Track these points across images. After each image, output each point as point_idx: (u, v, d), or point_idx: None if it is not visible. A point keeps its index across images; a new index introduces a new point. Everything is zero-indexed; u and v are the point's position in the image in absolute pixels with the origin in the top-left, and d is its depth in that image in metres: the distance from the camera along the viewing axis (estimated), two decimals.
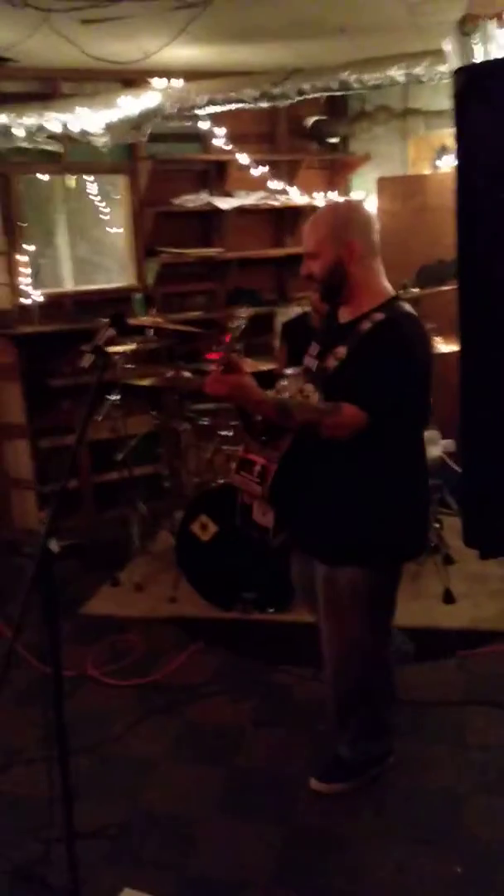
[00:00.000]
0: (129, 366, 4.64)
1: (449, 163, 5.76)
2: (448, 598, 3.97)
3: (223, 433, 4.31)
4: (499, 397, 1.37)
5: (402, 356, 2.36)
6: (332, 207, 2.63)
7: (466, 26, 2.40)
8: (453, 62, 2.93)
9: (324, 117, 5.87)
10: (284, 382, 4.01)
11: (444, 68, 4.22)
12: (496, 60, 1.51)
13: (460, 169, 1.25)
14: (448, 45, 2.88)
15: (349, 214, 2.48)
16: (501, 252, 1.26)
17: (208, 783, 2.90)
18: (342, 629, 2.65)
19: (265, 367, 4.50)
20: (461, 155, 1.24)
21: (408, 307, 2.43)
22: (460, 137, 1.24)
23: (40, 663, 2.93)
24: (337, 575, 2.57)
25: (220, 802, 2.80)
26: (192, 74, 4.84)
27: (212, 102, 4.69)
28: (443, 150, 5.77)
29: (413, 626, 3.61)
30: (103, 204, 6.17)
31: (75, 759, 2.20)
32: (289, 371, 4.04)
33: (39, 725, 3.10)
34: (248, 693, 3.41)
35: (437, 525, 4.28)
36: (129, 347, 4.47)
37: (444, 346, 4.21)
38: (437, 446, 3.91)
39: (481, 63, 2.28)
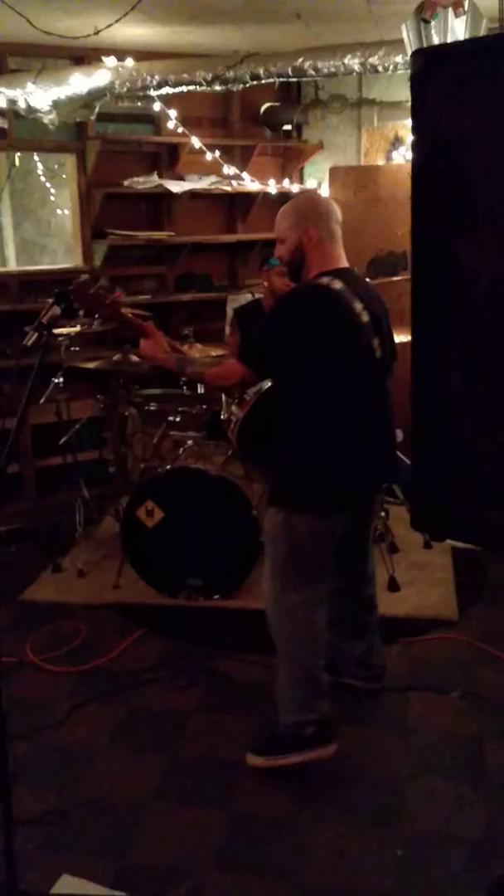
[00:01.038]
0: (74, 348, 4.56)
1: (402, 154, 5.80)
2: (393, 585, 4.00)
3: (171, 419, 4.27)
4: (447, 383, 1.37)
5: (276, 317, 2.73)
6: (296, 198, 2.93)
7: (424, 13, 2.40)
8: (410, 49, 2.93)
9: (277, 104, 5.85)
10: None
11: (399, 59, 4.23)
12: (453, 43, 1.51)
13: (416, 151, 1.24)
14: (406, 32, 2.88)
15: (308, 205, 2.82)
16: (455, 238, 1.25)
17: (150, 770, 2.87)
18: (269, 578, 2.86)
19: (215, 352, 4.48)
20: (418, 137, 1.23)
21: (329, 281, 2.62)
22: (417, 119, 1.23)
23: None
24: (270, 515, 2.81)
25: (161, 789, 2.78)
26: (144, 54, 4.77)
27: (164, 83, 4.62)
28: (397, 142, 5.80)
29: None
30: (49, 184, 6.06)
31: (13, 745, 2.15)
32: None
33: None
34: (191, 679, 3.39)
35: (384, 514, 4.31)
36: (73, 329, 4.40)
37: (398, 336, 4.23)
38: None
39: (438, 45, 2.29)
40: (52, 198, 6.28)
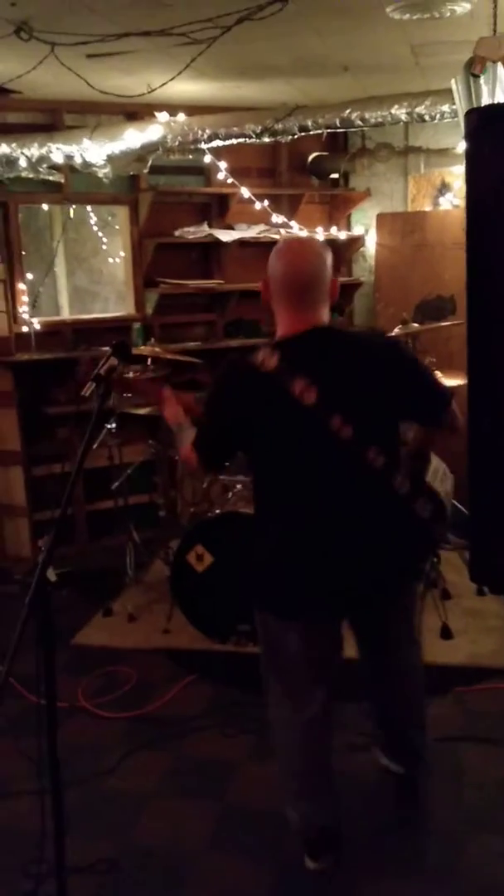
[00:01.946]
0: (126, 395, 4.63)
1: (449, 200, 5.83)
2: (446, 633, 3.94)
3: None
4: None
5: (206, 400, 2.44)
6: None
7: (474, 68, 2.44)
8: (460, 103, 2.97)
9: (324, 153, 5.94)
10: None
11: (446, 108, 4.29)
12: None
13: (470, 206, 1.26)
14: (455, 86, 2.92)
15: (273, 253, 2.41)
16: None
17: (200, 818, 2.85)
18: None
19: None
20: (472, 192, 1.25)
21: (263, 356, 2.25)
22: (471, 175, 1.25)
23: (31, 694, 2.89)
24: None
25: (211, 838, 2.75)
26: (195, 108, 4.90)
27: (214, 136, 4.74)
28: (443, 188, 5.84)
29: None
30: (101, 234, 6.23)
31: (66, 791, 2.16)
32: None
33: (30, 758, 3.10)
34: (241, 727, 3.36)
35: (436, 560, 4.27)
36: (127, 377, 4.47)
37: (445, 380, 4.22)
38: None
39: (493, 105, 2.32)
40: (104, 247, 6.44)
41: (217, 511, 4.05)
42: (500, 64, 2.42)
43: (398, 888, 2.50)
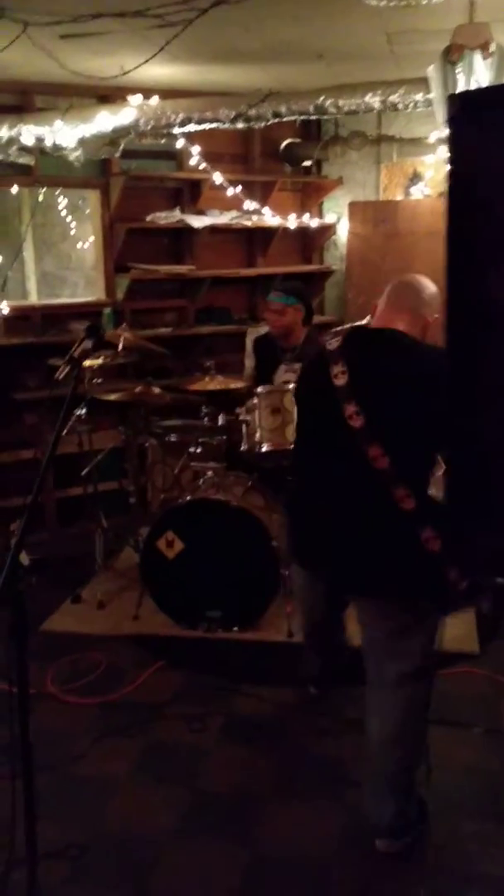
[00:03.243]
0: (96, 380, 4.60)
1: (421, 190, 5.86)
2: None
3: (191, 450, 4.29)
4: (482, 417, 1.38)
5: None
6: None
7: (451, 55, 2.45)
8: (436, 91, 2.98)
9: (297, 140, 5.93)
10: (255, 401, 4.04)
11: (420, 97, 4.30)
12: (490, 87, 1.54)
13: (452, 192, 1.26)
14: (432, 73, 2.93)
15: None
16: (492, 274, 1.27)
17: (171, 804, 2.85)
18: None
19: (234, 384, 4.52)
20: (454, 178, 1.26)
21: (331, 337, 2.60)
22: (453, 161, 1.25)
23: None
24: None
25: (183, 823, 2.76)
26: (168, 93, 4.85)
27: (187, 121, 4.70)
28: (415, 177, 5.87)
29: None
30: (70, 219, 6.15)
31: (35, 777, 2.15)
32: (260, 389, 4.07)
33: None
34: (211, 712, 3.37)
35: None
36: (96, 362, 4.45)
37: None
38: None
39: (476, 90, 2.33)
40: (73, 232, 6.37)
41: (188, 497, 4.04)
42: (477, 52, 2.43)
43: (369, 872, 2.53)
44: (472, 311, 1.31)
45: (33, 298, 5.64)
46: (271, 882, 2.51)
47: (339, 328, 2.64)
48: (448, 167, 1.24)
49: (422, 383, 2.29)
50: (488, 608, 4.02)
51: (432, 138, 5.41)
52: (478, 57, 2.47)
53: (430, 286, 2.57)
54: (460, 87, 2.66)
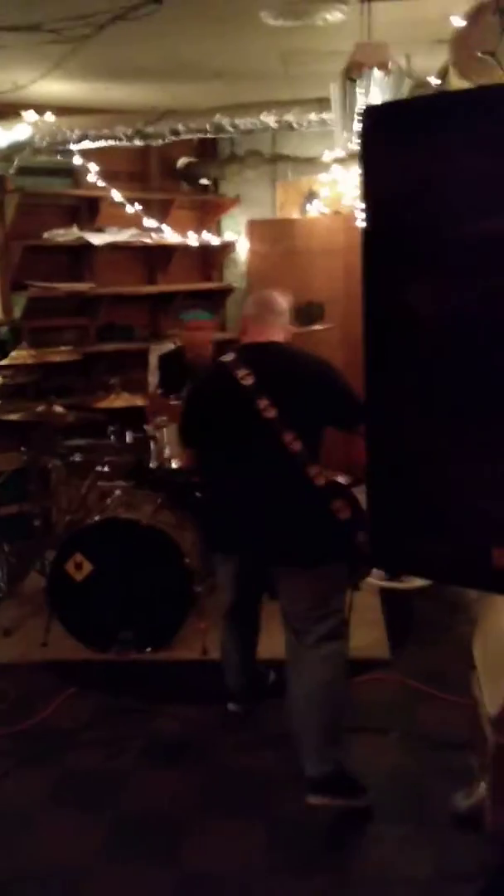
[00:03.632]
0: None
1: (317, 208, 5.97)
2: None
3: (99, 468, 4.22)
4: (401, 420, 1.41)
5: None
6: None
7: (352, 72, 2.51)
8: (335, 108, 3.05)
9: (194, 159, 5.97)
10: (164, 417, 4.02)
11: (313, 116, 4.39)
12: (402, 101, 1.58)
13: (367, 204, 1.29)
14: (333, 90, 2.99)
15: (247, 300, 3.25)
16: (405, 288, 1.31)
17: (93, 830, 2.77)
18: None
19: (139, 401, 4.48)
20: (367, 191, 1.28)
21: (225, 355, 2.95)
22: (366, 174, 1.28)
23: None
24: None
25: (106, 850, 2.68)
26: (63, 109, 4.81)
27: (84, 138, 4.67)
28: (310, 195, 5.98)
29: None
30: None
31: None
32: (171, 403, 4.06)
33: None
34: (129, 736, 3.30)
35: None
36: None
37: None
38: None
39: (386, 103, 2.39)
40: None
41: (96, 518, 3.97)
42: (376, 70, 2.51)
43: (292, 880, 2.52)
44: (390, 323, 1.34)
45: None
46: None
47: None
48: (360, 180, 1.26)
49: (312, 381, 2.82)
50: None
51: (326, 157, 5.52)
52: (378, 74, 2.54)
53: (285, 303, 3.01)
54: (360, 105, 2.73)
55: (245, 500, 2.83)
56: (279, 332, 2.94)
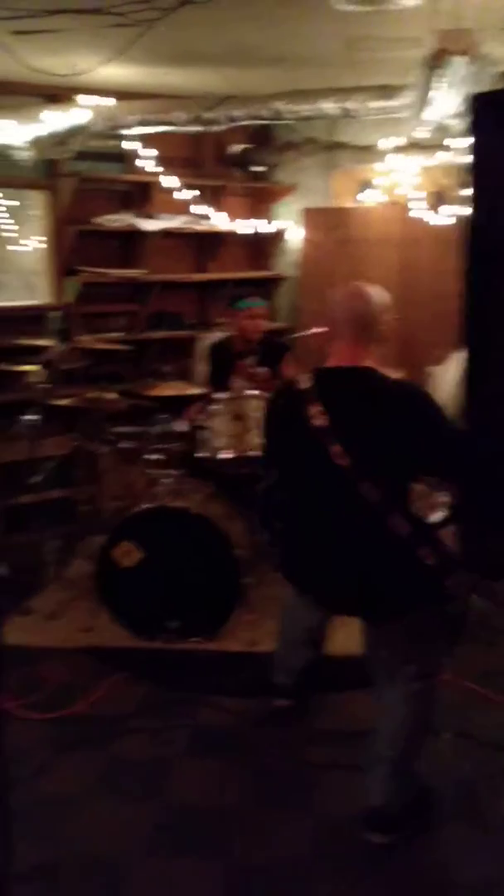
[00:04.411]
0: (46, 385, 4.48)
1: (372, 196, 5.90)
2: None
3: (148, 456, 4.20)
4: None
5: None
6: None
7: (435, 60, 2.43)
8: (413, 95, 2.98)
9: (249, 145, 5.91)
10: (215, 407, 3.99)
11: (375, 104, 4.31)
12: None
13: (474, 187, 1.24)
14: (413, 78, 2.90)
15: (330, 305, 2.65)
16: None
17: (138, 819, 2.76)
18: None
19: (190, 390, 4.46)
20: (474, 175, 1.23)
21: (301, 378, 2.61)
22: (474, 159, 1.23)
23: None
24: None
25: (152, 839, 2.67)
26: (120, 94, 4.78)
27: (141, 123, 4.63)
28: (366, 184, 5.90)
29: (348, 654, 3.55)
30: (11, 221, 5.98)
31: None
32: (221, 395, 4.03)
33: None
34: (175, 725, 3.29)
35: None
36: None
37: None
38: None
39: (498, 90, 2.32)
40: (13, 234, 6.19)
41: (147, 505, 3.95)
42: (459, 57, 2.43)
43: (346, 880, 2.49)
44: (494, 317, 1.29)
45: None
46: (247, 893, 2.45)
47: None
48: (470, 166, 1.21)
49: (395, 420, 2.45)
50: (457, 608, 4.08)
51: (383, 145, 5.45)
52: (460, 62, 2.47)
53: (379, 298, 2.58)
54: (443, 93, 2.66)
55: (318, 547, 2.61)
56: (375, 348, 2.56)
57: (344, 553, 2.53)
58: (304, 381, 2.55)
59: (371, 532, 2.45)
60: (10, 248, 6.19)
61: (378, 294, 2.59)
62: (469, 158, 1.21)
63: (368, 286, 2.61)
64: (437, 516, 2.57)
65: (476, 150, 1.21)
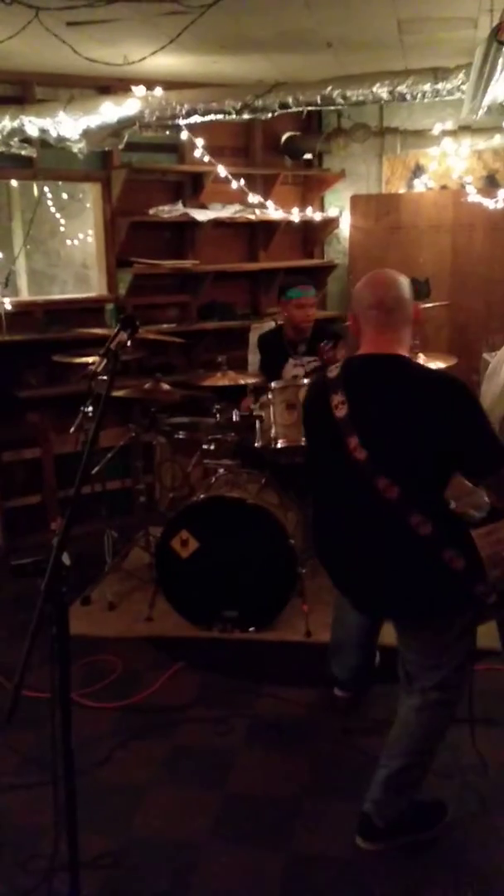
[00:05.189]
0: (102, 377, 4.49)
1: (423, 183, 5.81)
2: None
3: (204, 447, 4.21)
4: None
5: None
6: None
7: (500, 35, 2.36)
8: (474, 73, 2.91)
9: (298, 133, 5.86)
10: (269, 396, 3.98)
11: (427, 87, 4.24)
12: None
13: None
14: (476, 55, 2.82)
15: (356, 291, 2.51)
16: None
17: (202, 808, 2.78)
18: None
19: (244, 380, 4.45)
20: None
21: (334, 367, 2.51)
22: None
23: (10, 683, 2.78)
24: None
25: (215, 827, 2.69)
26: (170, 84, 4.76)
27: (193, 112, 4.61)
28: (417, 170, 5.82)
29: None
30: (60, 215, 6.04)
31: (59, 784, 2.06)
32: (274, 384, 4.01)
33: (17, 751, 3.01)
34: (234, 714, 3.30)
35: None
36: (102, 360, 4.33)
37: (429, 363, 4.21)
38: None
39: None
40: (63, 228, 6.26)
41: (203, 495, 3.96)
42: None
43: (415, 874, 2.47)
44: None
45: (24, 296, 5.54)
46: (312, 883, 2.45)
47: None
48: None
49: (426, 411, 2.27)
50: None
51: (436, 130, 5.36)
52: None
53: (403, 282, 2.44)
54: (499, 70, 2.58)
55: (343, 544, 2.52)
56: (403, 334, 2.41)
57: (365, 551, 2.42)
58: (334, 371, 2.46)
59: (391, 531, 2.31)
60: (63, 241, 6.29)
61: (401, 279, 2.44)
62: None
63: (392, 271, 2.47)
64: (474, 516, 2.36)
65: None
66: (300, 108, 4.61)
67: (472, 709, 2.65)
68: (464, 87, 3.97)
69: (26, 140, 4.71)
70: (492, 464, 2.27)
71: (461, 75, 4.01)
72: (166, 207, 5.34)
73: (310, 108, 4.60)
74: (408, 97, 4.39)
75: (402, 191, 5.91)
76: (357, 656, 3.21)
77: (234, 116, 4.65)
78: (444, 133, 5.45)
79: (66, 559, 1.94)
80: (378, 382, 2.38)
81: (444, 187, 5.80)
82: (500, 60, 2.51)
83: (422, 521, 2.26)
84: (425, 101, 4.47)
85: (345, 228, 6.03)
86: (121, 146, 4.86)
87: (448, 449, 2.27)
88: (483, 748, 2.98)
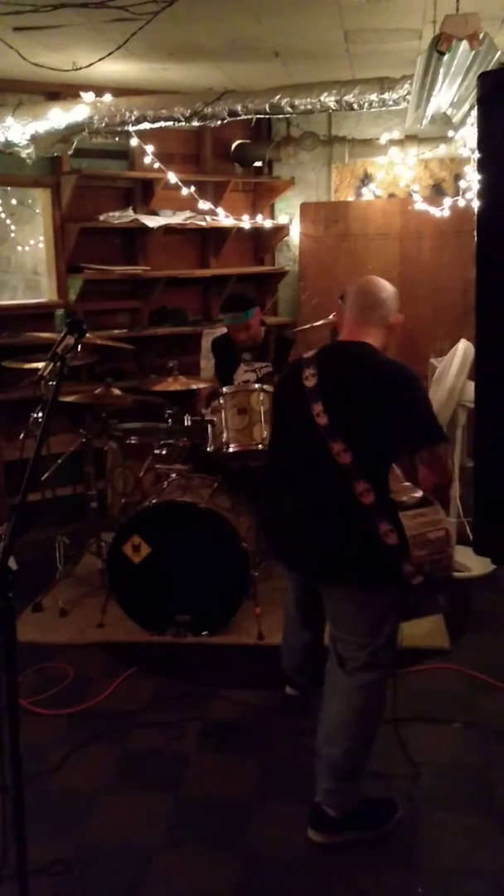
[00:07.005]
0: (52, 382, 4.48)
1: (372, 191, 5.89)
2: None
3: (156, 452, 4.21)
4: None
5: None
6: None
7: (440, 45, 2.43)
8: (416, 83, 2.97)
9: (249, 141, 5.91)
10: (220, 401, 4.00)
11: (374, 97, 4.30)
12: None
13: (483, 170, 1.24)
14: (417, 65, 2.89)
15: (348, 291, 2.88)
16: None
17: (154, 813, 2.78)
18: None
19: (195, 385, 4.47)
20: (484, 158, 1.23)
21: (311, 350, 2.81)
22: (484, 140, 1.23)
23: None
24: None
25: (169, 831, 2.69)
26: (120, 90, 4.78)
27: (142, 119, 4.62)
28: (366, 178, 5.89)
29: None
30: (9, 221, 6.00)
31: (8, 793, 2.05)
32: (226, 389, 4.04)
33: None
34: (187, 718, 3.30)
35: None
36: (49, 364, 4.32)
37: None
38: None
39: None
40: (13, 234, 6.22)
41: (153, 501, 3.96)
42: (465, 42, 2.43)
43: (363, 872, 2.50)
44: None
45: None
46: (266, 885, 2.47)
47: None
48: (477, 148, 1.22)
49: (384, 395, 2.53)
50: (445, 603, 4.06)
51: (383, 139, 5.44)
52: (464, 47, 2.46)
53: (388, 289, 2.76)
54: (448, 78, 2.65)
55: (288, 508, 2.68)
56: (376, 330, 2.67)
57: (308, 513, 2.60)
58: (310, 352, 2.74)
59: (336, 496, 2.50)
60: (13, 247, 6.25)
61: (388, 286, 2.76)
62: (476, 141, 1.21)
63: (383, 280, 2.78)
64: (406, 503, 2.56)
65: (483, 128, 1.21)
66: (249, 116, 4.67)
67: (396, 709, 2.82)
68: (409, 97, 4.04)
69: None
70: (425, 438, 2.56)
71: (406, 85, 4.08)
72: (116, 213, 5.34)
73: (259, 116, 4.65)
74: (355, 106, 4.46)
75: (350, 199, 5.98)
76: (302, 640, 3.25)
77: (183, 123, 4.68)
78: (392, 142, 5.53)
79: (12, 564, 1.92)
80: (346, 361, 2.66)
81: (391, 196, 5.89)
82: (441, 71, 2.57)
83: (366, 489, 2.46)
84: (372, 110, 4.54)
85: (295, 236, 6.08)
86: (70, 152, 4.86)
87: (395, 422, 2.53)
88: (430, 748, 3.04)
